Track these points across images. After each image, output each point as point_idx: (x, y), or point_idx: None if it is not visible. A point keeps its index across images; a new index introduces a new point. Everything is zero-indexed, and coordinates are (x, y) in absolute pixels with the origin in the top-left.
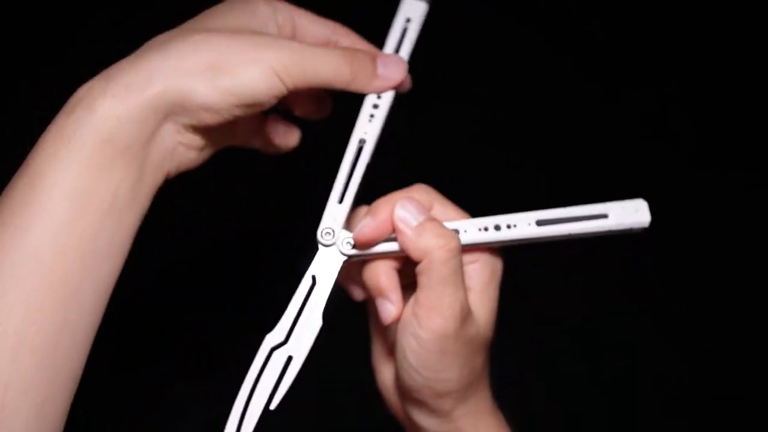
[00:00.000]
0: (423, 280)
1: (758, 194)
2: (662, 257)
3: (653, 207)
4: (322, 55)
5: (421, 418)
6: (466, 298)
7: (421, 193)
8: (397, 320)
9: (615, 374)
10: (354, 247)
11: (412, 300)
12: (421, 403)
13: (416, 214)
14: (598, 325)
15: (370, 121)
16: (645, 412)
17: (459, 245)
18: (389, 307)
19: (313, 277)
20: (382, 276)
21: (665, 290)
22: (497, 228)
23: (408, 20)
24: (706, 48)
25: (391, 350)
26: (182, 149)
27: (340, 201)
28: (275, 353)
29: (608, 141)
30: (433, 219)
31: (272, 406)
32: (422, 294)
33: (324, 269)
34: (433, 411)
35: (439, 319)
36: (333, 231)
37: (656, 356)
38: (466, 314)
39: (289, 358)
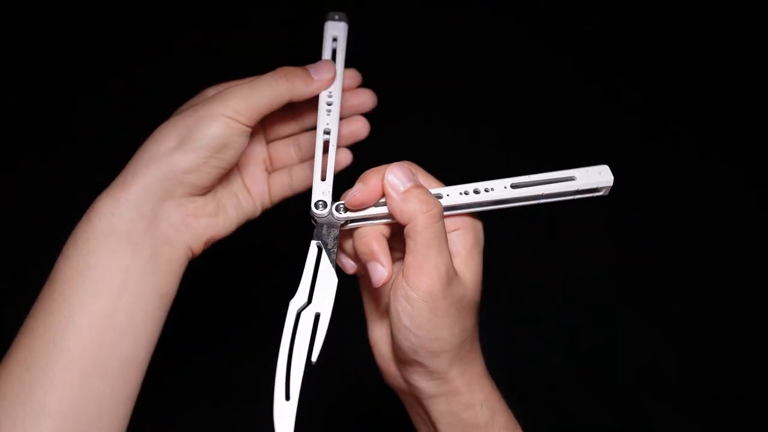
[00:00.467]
0: (410, 244)
1: (759, 194)
2: (662, 256)
3: (654, 207)
4: (260, 84)
5: (419, 380)
6: (450, 260)
7: (405, 165)
8: (388, 281)
9: (610, 370)
10: (346, 210)
11: (401, 266)
12: (418, 365)
13: (404, 181)
14: (595, 326)
15: (328, 114)
16: (630, 392)
17: (441, 211)
18: (380, 269)
19: (318, 246)
20: (373, 241)
21: (665, 290)
22: (476, 192)
23: (334, 39)
24: (706, 47)
25: (385, 320)
26: (192, 219)
27: (323, 179)
28: (303, 314)
29: (608, 141)
30: (419, 186)
31: (313, 359)
32: (409, 257)
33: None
34: (430, 372)
35: (426, 278)
36: (325, 202)
37: (656, 356)
38: (451, 275)
39: (317, 315)
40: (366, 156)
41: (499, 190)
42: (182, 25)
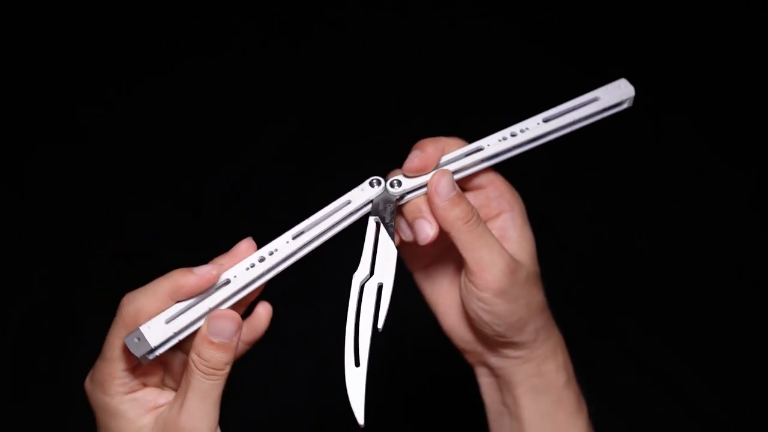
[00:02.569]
0: (459, 247)
1: (759, 194)
2: (662, 257)
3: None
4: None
5: (509, 353)
6: (503, 251)
7: (454, 138)
8: (434, 239)
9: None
10: (400, 184)
11: (462, 274)
12: (507, 344)
13: (448, 191)
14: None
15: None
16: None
17: (478, 217)
18: (427, 227)
19: (376, 222)
20: (422, 204)
21: (665, 290)
22: (513, 135)
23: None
24: (705, 47)
25: (452, 311)
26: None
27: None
28: (366, 286)
29: (608, 141)
30: (459, 195)
31: (379, 326)
32: (465, 260)
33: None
34: (518, 344)
35: (490, 276)
36: (379, 179)
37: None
38: (512, 265)
39: (380, 286)
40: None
41: (533, 127)
42: (185, 35)
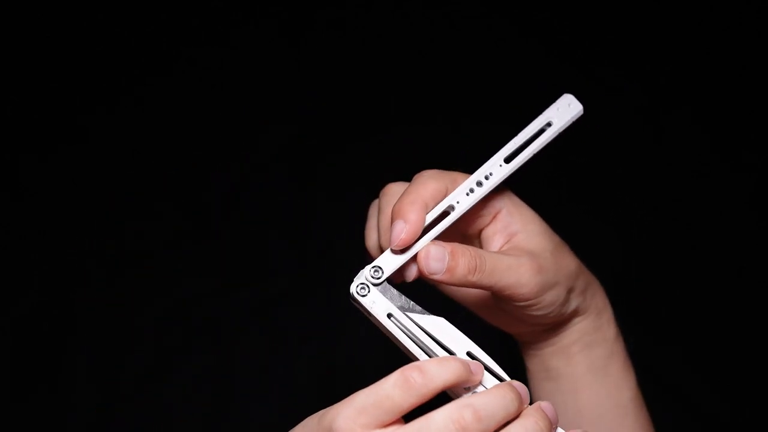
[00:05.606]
0: (486, 290)
1: (758, 193)
2: (662, 257)
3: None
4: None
5: (570, 323)
6: (519, 258)
7: (433, 180)
8: (407, 243)
9: None
10: (380, 271)
11: (493, 298)
12: (567, 318)
13: (441, 265)
14: None
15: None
16: None
17: (483, 260)
18: (400, 225)
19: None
20: (408, 203)
21: (665, 291)
22: (480, 184)
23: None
24: (705, 46)
25: (488, 306)
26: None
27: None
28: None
29: (607, 140)
30: (454, 259)
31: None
32: (496, 294)
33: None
34: (576, 312)
35: (524, 290)
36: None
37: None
38: (535, 264)
39: (469, 354)
40: (375, 153)
41: (497, 170)
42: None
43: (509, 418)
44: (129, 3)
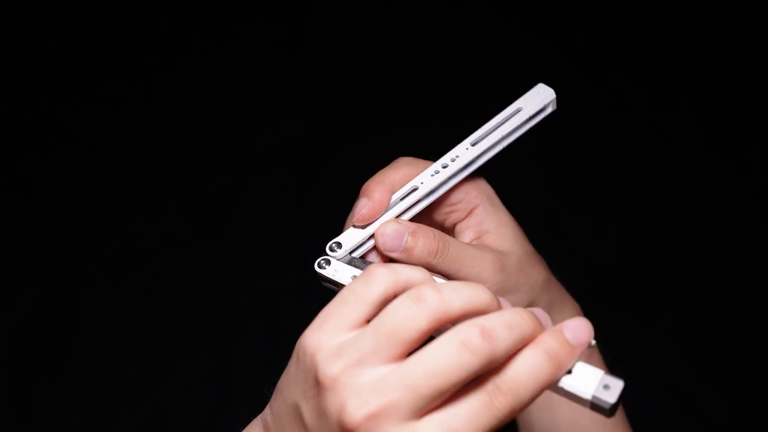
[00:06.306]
0: (446, 276)
1: (759, 194)
2: (661, 257)
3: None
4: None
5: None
6: (483, 253)
7: (406, 165)
8: (368, 220)
9: None
10: (340, 246)
11: None
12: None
13: (398, 243)
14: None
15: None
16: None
17: (446, 245)
18: (363, 201)
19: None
20: (377, 184)
21: (665, 291)
22: (445, 166)
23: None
24: (704, 46)
25: None
26: None
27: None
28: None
29: (607, 140)
30: (415, 238)
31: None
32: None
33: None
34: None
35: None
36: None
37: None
38: (498, 261)
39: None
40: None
41: (463, 153)
42: (185, 35)
43: (525, 342)
44: (129, 5)
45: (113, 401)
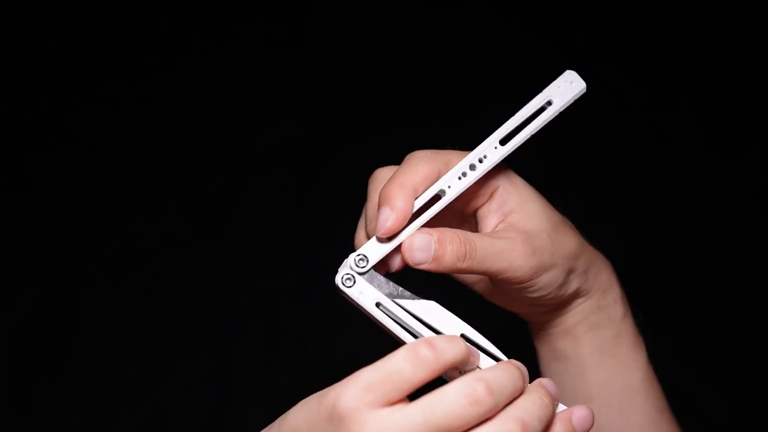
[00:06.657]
0: (480, 275)
1: (759, 194)
2: (660, 257)
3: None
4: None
5: (572, 304)
6: (512, 241)
7: (425, 162)
8: (393, 231)
9: None
10: (366, 260)
11: (489, 282)
12: (567, 299)
13: (427, 254)
14: None
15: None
16: None
17: (473, 246)
18: (387, 212)
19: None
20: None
21: (665, 292)
22: (473, 167)
23: (549, 102)
24: (704, 45)
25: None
26: None
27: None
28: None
29: (607, 140)
30: (441, 246)
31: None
32: (491, 279)
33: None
34: (576, 293)
35: (518, 273)
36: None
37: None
38: (529, 245)
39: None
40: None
41: (492, 152)
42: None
43: (516, 394)
44: (129, 6)
45: (113, 401)
